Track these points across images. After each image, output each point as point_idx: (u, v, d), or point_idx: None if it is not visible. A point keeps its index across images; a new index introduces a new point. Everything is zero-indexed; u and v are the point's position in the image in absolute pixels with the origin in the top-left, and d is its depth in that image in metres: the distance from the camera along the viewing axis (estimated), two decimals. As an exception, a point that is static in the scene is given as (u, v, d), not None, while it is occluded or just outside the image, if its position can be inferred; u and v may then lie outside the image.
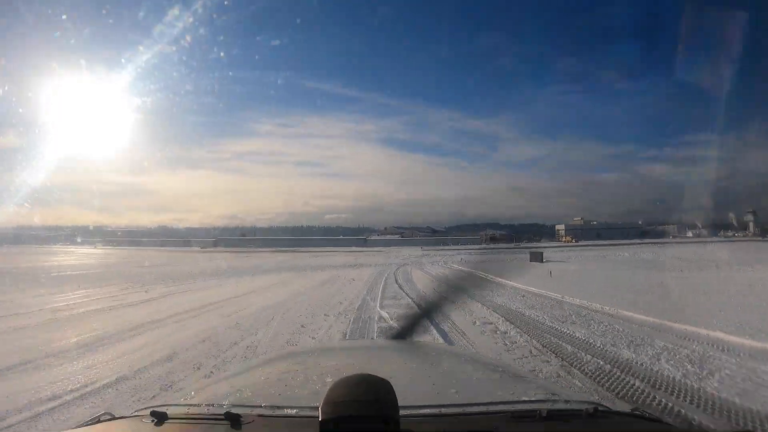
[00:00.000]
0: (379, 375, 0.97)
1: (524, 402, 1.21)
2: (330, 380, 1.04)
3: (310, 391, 1.28)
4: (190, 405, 1.26)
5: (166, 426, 1.06)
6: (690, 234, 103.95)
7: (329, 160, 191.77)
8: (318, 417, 0.87)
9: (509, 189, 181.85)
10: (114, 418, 1.19)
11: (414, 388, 1.31)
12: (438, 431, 0.98)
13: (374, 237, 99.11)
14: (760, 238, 79.19)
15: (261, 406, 1.15)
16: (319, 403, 0.89)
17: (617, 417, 1.13)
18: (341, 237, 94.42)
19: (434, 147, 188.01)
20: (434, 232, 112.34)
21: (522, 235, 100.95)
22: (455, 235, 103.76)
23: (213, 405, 1.19)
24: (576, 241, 76.89)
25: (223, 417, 1.04)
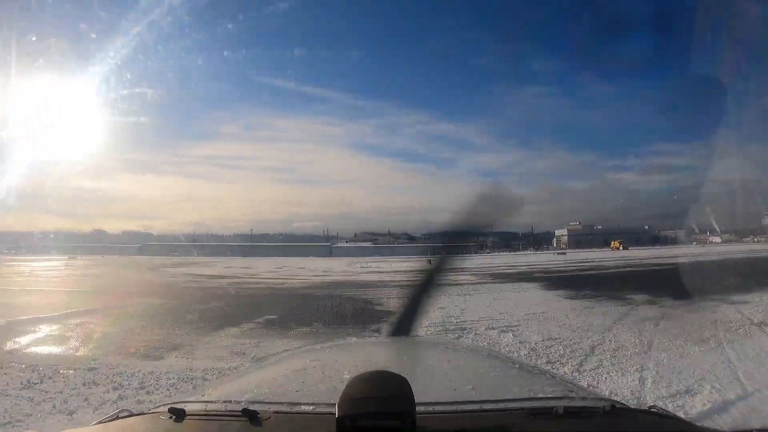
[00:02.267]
0: (395, 372, 0.98)
1: (541, 399, 1.21)
2: (347, 377, 1.05)
3: (327, 387, 1.27)
4: (208, 402, 1.27)
5: (184, 423, 1.08)
6: (718, 239, 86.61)
7: (297, 164, 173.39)
8: (334, 413, 0.87)
9: (475, 197, 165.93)
10: (132, 415, 1.20)
11: (430, 384, 1.32)
12: (454, 428, 0.99)
13: (342, 244, 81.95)
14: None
15: (278, 403, 1.16)
16: (336, 400, 0.90)
17: (634, 414, 1.16)
18: (302, 244, 75.56)
19: (404, 152, 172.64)
20: (411, 239, 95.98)
21: (517, 242, 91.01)
22: (435, 242, 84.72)
23: (230, 401, 1.20)
24: (626, 248, 60.77)
25: (240, 413, 1.05)
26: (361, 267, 29.17)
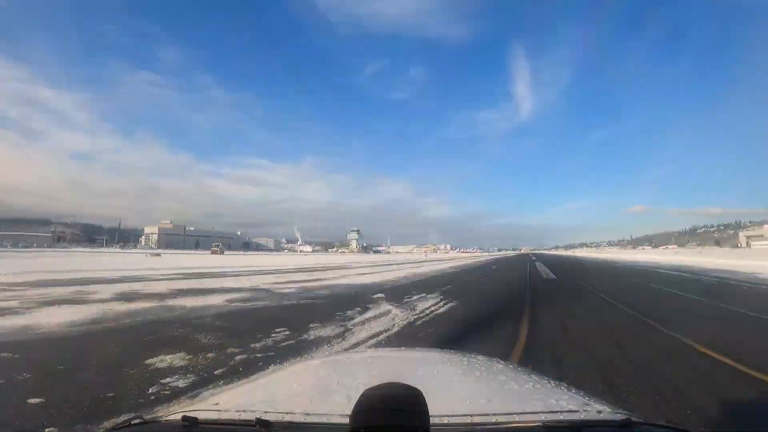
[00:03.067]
0: (410, 384, 0.96)
1: (557, 412, 1.19)
2: (361, 388, 0.99)
3: (342, 398, 1.25)
4: (222, 410, 1.26)
5: (197, 431, 1.07)
6: (308, 248, 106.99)
7: None
8: (348, 425, 0.87)
9: (61, 182, 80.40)
10: (145, 422, 1.17)
11: (445, 397, 1.30)
12: None
13: None
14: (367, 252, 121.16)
15: (292, 413, 1.14)
16: (350, 411, 0.89)
17: (651, 429, 1.11)
18: None
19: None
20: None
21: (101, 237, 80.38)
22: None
23: (244, 411, 1.19)
24: (222, 253, 64.07)
25: (254, 423, 1.04)
26: None
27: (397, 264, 37.21)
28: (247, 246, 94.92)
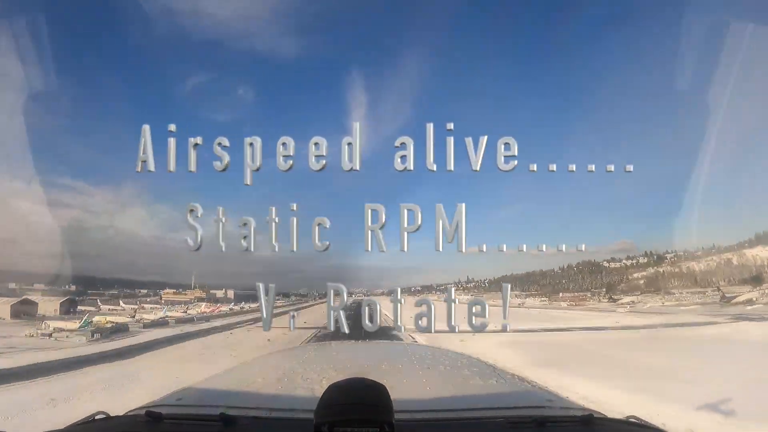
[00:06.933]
0: (375, 378, 0.97)
1: (520, 408, 1.21)
2: (325, 383, 1.03)
3: (306, 393, 1.26)
4: (186, 405, 1.26)
5: (161, 426, 1.05)
6: None
7: None
8: (312, 420, 0.86)
9: None
10: (109, 418, 1.15)
11: (410, 392, 1.32)
12: None
13: None
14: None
15: (256, 408, 1.15)
16: (314, 406, 0.89)
17: (612, 424, 1.14)
18: None
19: None
20: None
21: None
22: None
23: (208, 406, 1.20)
24: None
25: (218, 418, 1.03)
26: None
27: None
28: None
